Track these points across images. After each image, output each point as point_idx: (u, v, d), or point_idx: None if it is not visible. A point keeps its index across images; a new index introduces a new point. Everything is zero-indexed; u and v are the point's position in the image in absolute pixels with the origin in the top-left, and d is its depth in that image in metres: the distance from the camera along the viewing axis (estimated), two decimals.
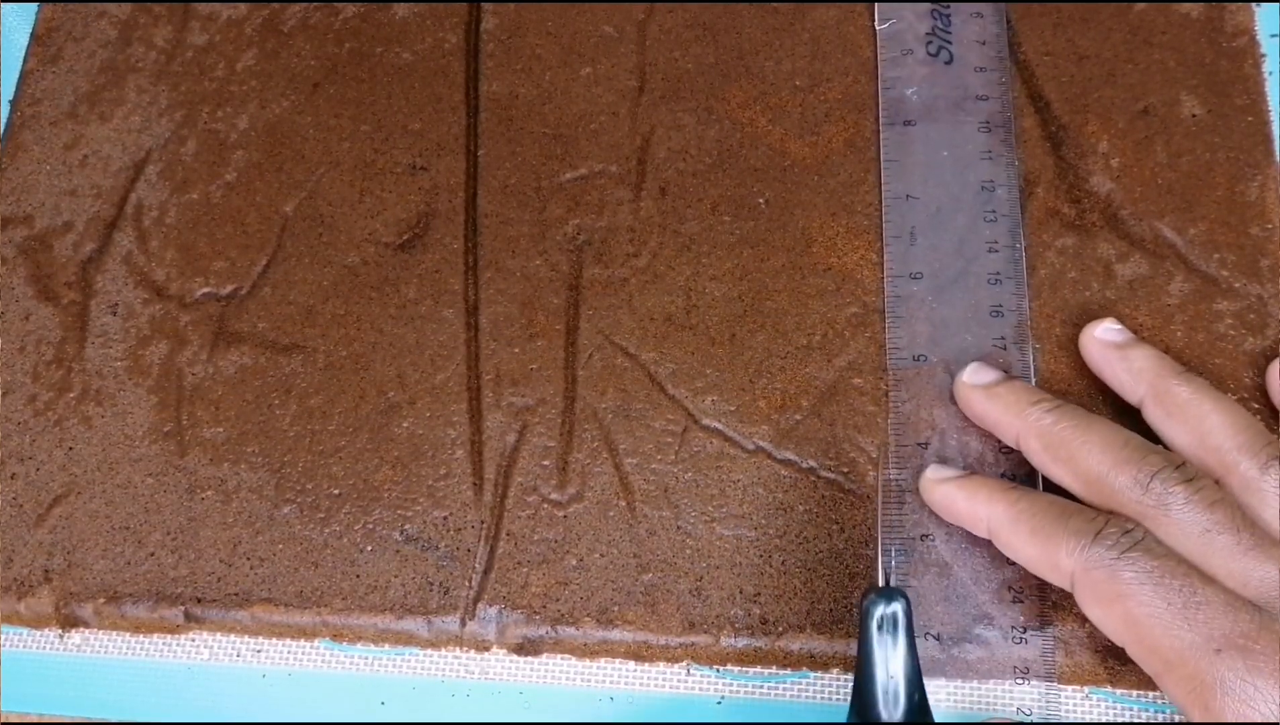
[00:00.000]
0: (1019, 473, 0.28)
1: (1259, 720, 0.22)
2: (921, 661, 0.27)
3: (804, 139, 0.34)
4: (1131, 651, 0.24)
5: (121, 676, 0.30)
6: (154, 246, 0.34)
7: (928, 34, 0.34)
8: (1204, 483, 0.25)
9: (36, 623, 0.31)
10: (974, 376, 0.29)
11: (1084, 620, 0.27)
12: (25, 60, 0.38)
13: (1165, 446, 0.27)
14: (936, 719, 0.27)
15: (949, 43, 0.33)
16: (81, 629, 0.31)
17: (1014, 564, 0.28)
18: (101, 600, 0.30)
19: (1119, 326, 0.29)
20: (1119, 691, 0.27)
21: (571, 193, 0.34)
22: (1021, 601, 0.27)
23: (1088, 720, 0.27)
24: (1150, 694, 0.27)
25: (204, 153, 0.36)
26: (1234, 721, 0.22)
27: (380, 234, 0.34)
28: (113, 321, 0.34)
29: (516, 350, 0.32)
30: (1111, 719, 0.27)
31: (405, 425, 0.31)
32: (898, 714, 0.23)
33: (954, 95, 0.33)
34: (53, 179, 0.36)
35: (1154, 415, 0.27)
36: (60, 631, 0.31)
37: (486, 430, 0.31)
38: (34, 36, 0.38)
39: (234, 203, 0.35)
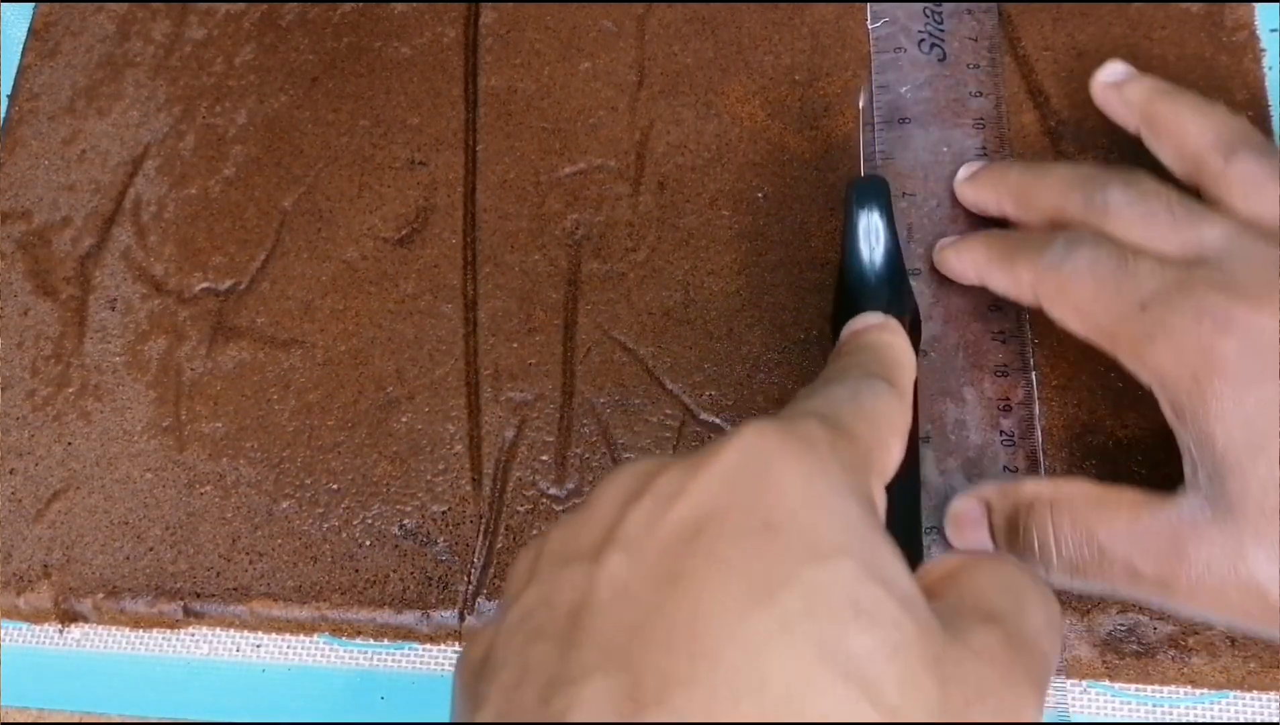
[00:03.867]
0: (1023, 467, 0.28)
1: (1187, 363, 0.23)
2: None
3: (803, 133, 0.33)
4: (1089, 338, 0.26)
5: (121, 672, 0.30)
6: (152, 242, 0.34)
7: (920, 32, 0.34)
8: (1145, 183, 0.26)
9: (36, 618, 0.31)
10: (963, 173, 0.31)
11: (1082, 614, 0.27)
12: (23, 55, 0.38)
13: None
14: None
15: (941, 40, 0.33)
16: (81, 624, 0.31)
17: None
18: (100, 595, 0.30)
19: (1120, 66, 0.30)
20: (1117, 685, 0.27)
21: (570, 187, 0.34)
22: None
23: (1087, 714, 0.27)
24: (1148, 688, 0.27)
25: (202, 148, 0.35)
26: (1168, 368, 0.24)
27: (379, 229, 0.34)
28: (111, 316, 0.34)
29: (515, 345, 0.32)
30: (1110, 713, 0.27)
31: (404, 420, 0.31)
32: (876, 276, 0.26)
33: (949, 93, 0.33)
34: (51, 174, 0.36)
35: (1148, 140, 0.29)
36: (59, 627, 0.31)
37: (485, 425, 0.31)
38: (32, 31, 0.38)
39: (232, 198, 0.35)
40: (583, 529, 0.19)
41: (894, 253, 0.27)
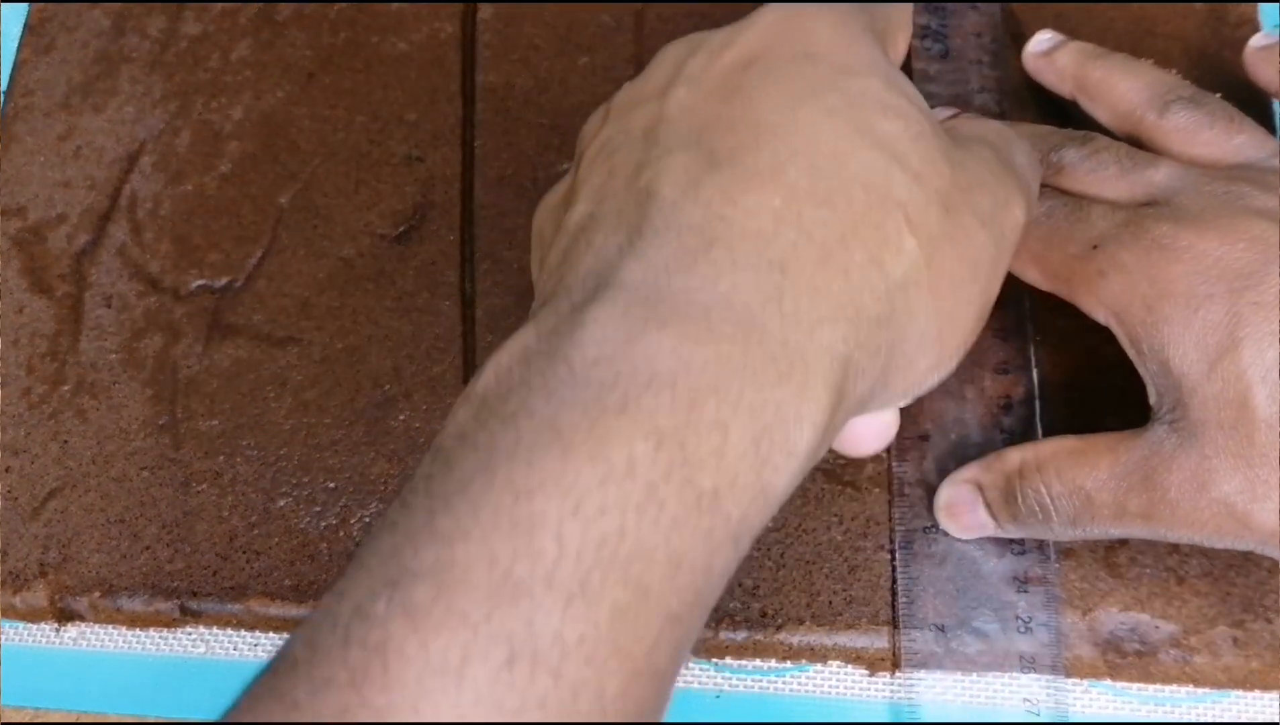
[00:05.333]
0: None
1: (1139, 293, 0.24)
2: (921, 655, 0.27)
3: None
4: (1047, 286, 0.26)
5: (118, 670, 0.30)
6: (148, 238, 0.34)
7: (923, 28, 0.33)
8: (1097, 141, 0.27)
9: (32, 616, 0.31)
10: None
11: (1084, 612, 0.27)
12: (18, 51, 0.38)
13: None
14: (942, 717, 0.27)
15: (944, 37, 0.33)
16: (77, 623, 0.30)
17: (1017, 555, 0.28)
18: (97, 594, 0.30)
19: (1048, 34, 0.31)
20: (1119, 685, 0.27)
21: None
22: (1026, 592, 0.27)
23: (1088, 713, 0.27)
24: (1150, 687, 0.27)
25: (198, 144, 0.35)
26: (1122, 300, 0.24)
27: (376, 225, 0.34)
28: (107, 314, 0.33)
29: None
30: (1111, 712, 0.27)
31: (401, 418, 0.31)
32: None
33: (952, 89, 0.32)
34: (46, 170, 0.36)
35: (1083, 105, 0.30)
36: (56, 625, 0.31)
37: None
38: (27, 27, 0.38)
39: (229, 194, 0.35)
40: (646, 82, 0.22)
41: None
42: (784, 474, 0.18)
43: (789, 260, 0.19)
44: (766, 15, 0.22)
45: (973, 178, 0.21)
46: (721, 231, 0.19)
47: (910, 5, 0.25)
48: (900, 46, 0.24)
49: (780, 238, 0.19)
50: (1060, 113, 0.32)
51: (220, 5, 0.37)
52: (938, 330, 0.21)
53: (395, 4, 0.37)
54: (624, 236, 0.19)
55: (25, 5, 0.38)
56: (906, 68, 0.33)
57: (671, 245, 0.19)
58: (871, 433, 0.24)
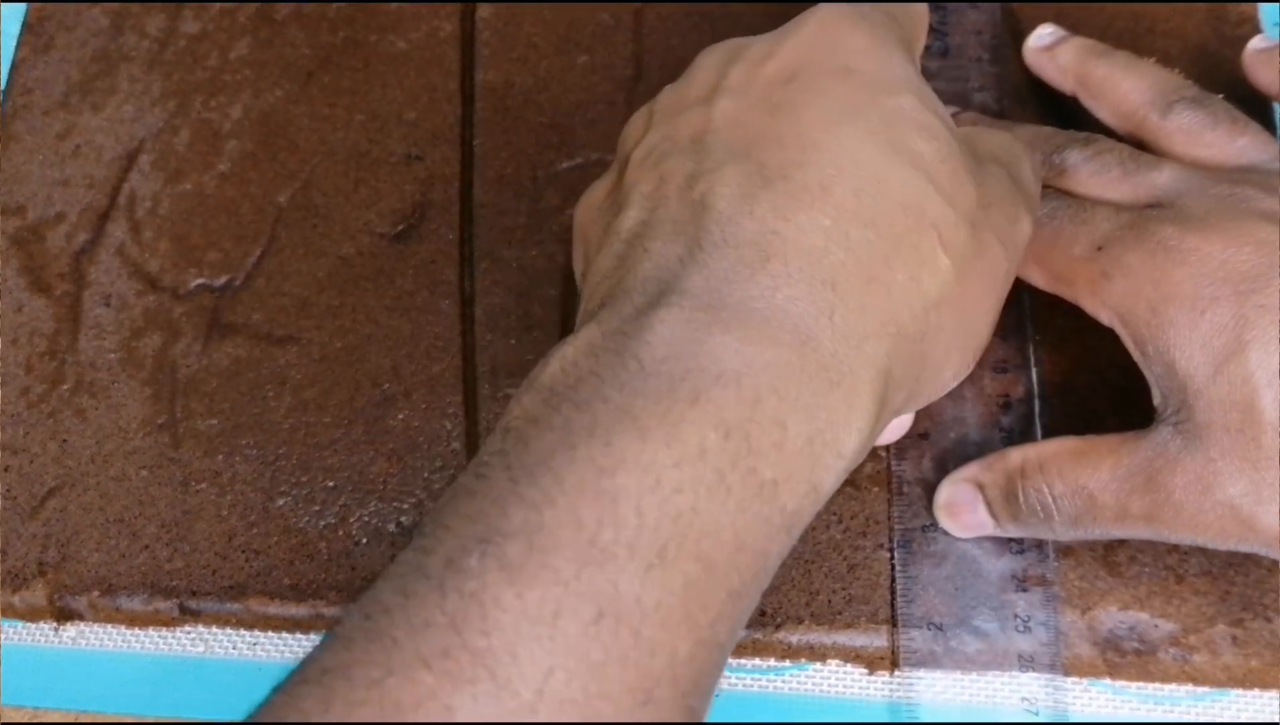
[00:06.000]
0: None
1: (1144, 296, 0.24)
2: (920, 654, 0.27)
3: None
4: (1052, 288, 0.26)
5: (117, 670, 0.30)
6: (147, 237, 0.34)
7: None
8: (1100, 142, 0.27)
9: (31, 616, 0.31)
10: None
11: (1083, 611, 0.27)
12: (17, 50, 0.38)
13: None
14: (941, 717, 0.27)
15: (944, 34, 0.33)
16: (76, 622, 0.30)
17: (1016, 554, 0.28)
18: (96, 593, 0.30)
19: (1050, 29, 0.31)
20: (1118, 684, 0.27)
21: (568, 182, 0.33)
22: (1025, 591, 0.27)
23: (1087, 712, 0.27)
24: (1149, 686, 0.27)
25: (197, 143, 0.35)
26: (1126, 303, 0.25)
27: (375, 224, 0.34)
28: (106, 313, 0.33)
29: (513, 342, 0.32)
30: (1111, 711, 0.27)
31: (400, 417, 0.31)
32: None
33: (952, 87, 0.32)
34: (45, 169, 0.36)
35: (1084, 102, 0.30)
36: (55, 624, 0.31)
37: (483, 422, 0.31)
38: (25, 25, 0.38)
39: (228, 193, 0.34)
40: (690, 88, 0.23)
41: None
42: (832, 473, 0.20)
43: (839, 277, 0.20)
44: (806, 25, 0.23)
45: (991, 195, 0.22)
46: (776, 246, 0.20)
47: (928, 7, 0.26)
48: (920, 49, 0.25)
49: (830, 256, 0.20)
50: (1060, 111, 0.32)
51: (219, 4, 0.37)
52: (961, 341, 0.22)
53: (394, 3, 0.37)
54: (683, 247, 0.20)
55: (24, 4, 0.38)
56: None
57: (730, 257, 0.20)
58: (889, 431, 0.25)
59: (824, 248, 0.20)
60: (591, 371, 0.19)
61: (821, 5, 0.23)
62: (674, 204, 0.21)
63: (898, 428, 0.26)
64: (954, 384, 0.23)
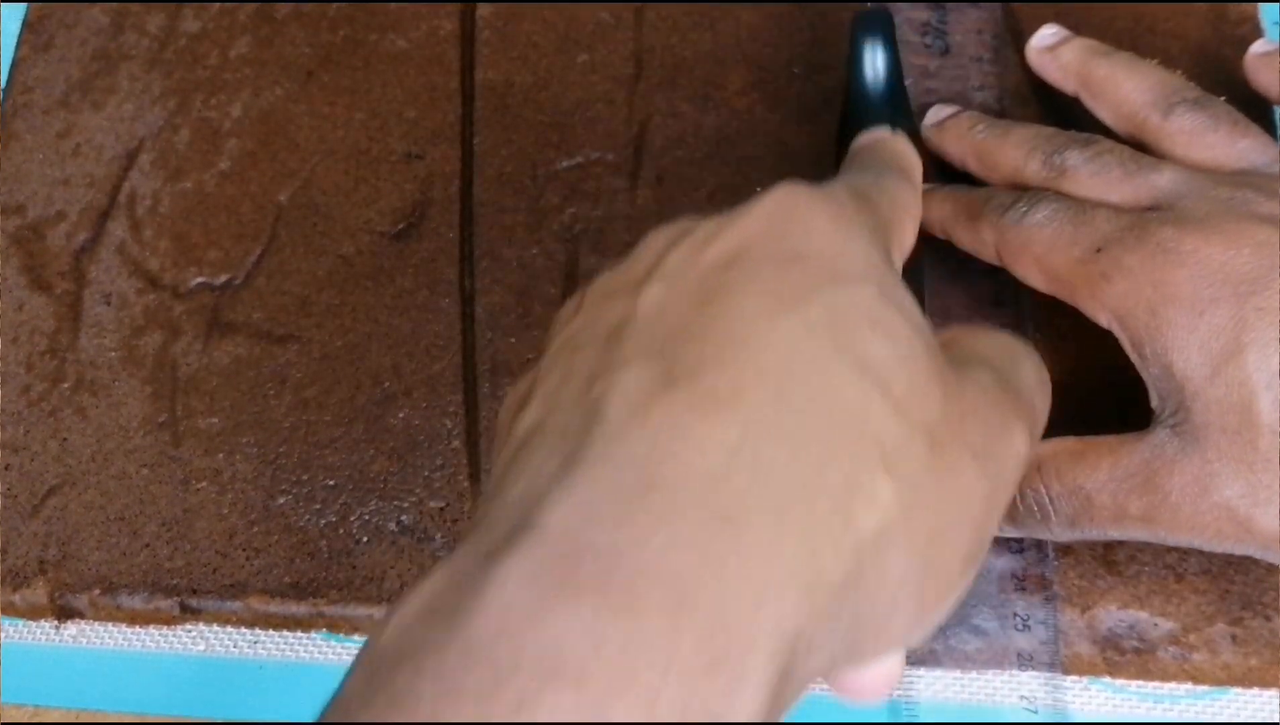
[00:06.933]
0: None
1: (1143, 298, 0.24)
2: (919, 652, 0.27)
3: (802, 127, 0.33)
4: (1050, 290, 0.26)
5: (117, 668, 0.30)
6: (148, 236, 0.34)
7: (924, 24, 0.33)
8: (1101, 144, 0.27)
9: (32, 614, 0.31)
10: (931, 118, 0.31)
11: (1082, 610, 0.27)
12: (17, 48, 0.38)
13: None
14: (940, 715, 0.27)
15: (944, 33, 0.33)
16: (77, 620, 0.31)
17: (1015, 553, 0.28)
18: (97, 591, 0.30)
19: (1053, 29, 0.31)
20: (1118, 682, 0.27)
21: (568, 181, 0.33)
22: (1024, 589, 0.27)
23: (1087, 711, 0.27)
24: (1149, 685, 0.27)
25: (197, 141, 0.35)
26: (1125, 304, 0.24)
27: (375, 223, 0.34)
28: (106, 311, 0.33)
29: (513, 340, 0.32)
30: (1110, 710, 0.27)
31: (401, 416, 0.31)
32: (880, 98, 0.28)
33: (952, 86, 0.32)
34: (45, 168, 0.36)
35: (1086, 103, 0.30)
36: (56, 623, 0.31)
37: (483, 421, 0.31)
38: (25, 24, 0.38)
39: (228, 192, 0.34)
40: (626, 271, 0.20)
41: (896, 75, 0.28)
42: None
43: (738, 512, 0.16)
44: (761, 204, 0.20)
45: (967, 405, 0.19)
46: (665, 473, 0.16)
47: (920, 190, 0.25)
48: (909, 234, 0.23)
49: (730, 482, 0.16)
50: (1060, 111, 0.32)
51: (219, 3, 0.37)
52: (917, 585, 0.18)
53: (394, 2, 0.37)
54: (559, 462, 0.17)
55: (24, 3, 0.38)
56: (906, 65, 0.33)
57: (604, 484, 0.16)
58: (870, 686, 0.20)
59: (724, 471, 0.16)
60: (418, 647, 0.15)
61: (785, 183, 0.20)
62: (569, 407, 0.18)
63: (886, 679, 0.20)
64: (919, 637, 0.19)
